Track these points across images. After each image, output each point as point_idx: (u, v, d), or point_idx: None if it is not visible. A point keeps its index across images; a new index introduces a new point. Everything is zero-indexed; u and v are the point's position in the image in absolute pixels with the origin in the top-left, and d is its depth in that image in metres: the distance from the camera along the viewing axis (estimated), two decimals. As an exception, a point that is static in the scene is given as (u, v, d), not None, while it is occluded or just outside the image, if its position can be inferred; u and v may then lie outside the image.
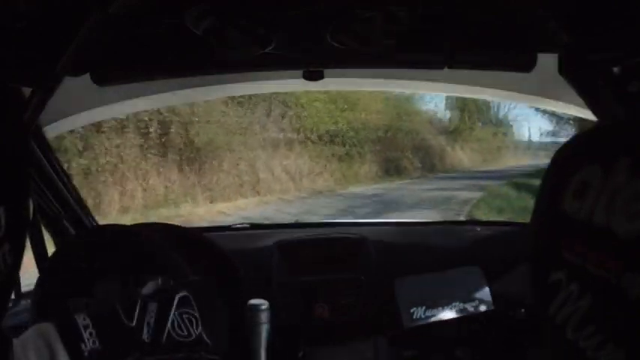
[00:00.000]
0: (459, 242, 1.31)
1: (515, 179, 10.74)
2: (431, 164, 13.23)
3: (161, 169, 7.72)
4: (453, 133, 14.78)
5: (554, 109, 1.33)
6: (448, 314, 1.15)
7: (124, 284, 0.86)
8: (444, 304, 1.15)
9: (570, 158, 0.33)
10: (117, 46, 0.85)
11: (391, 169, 11.89)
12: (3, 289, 0.37)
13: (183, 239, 1.01)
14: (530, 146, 17.42)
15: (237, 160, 8.73)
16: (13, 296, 0.93)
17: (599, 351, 0.27)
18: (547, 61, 0.81)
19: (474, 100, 13.11)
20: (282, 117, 9.61)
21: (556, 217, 0.32)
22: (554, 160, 0.35)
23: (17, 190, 0.36)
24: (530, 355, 1.00)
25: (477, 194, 9.15)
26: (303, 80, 1.04)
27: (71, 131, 5.16)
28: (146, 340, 0.80)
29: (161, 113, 7.47)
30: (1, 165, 0.34)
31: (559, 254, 0.31)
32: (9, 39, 0.62)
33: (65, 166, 1.32)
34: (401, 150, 12.10)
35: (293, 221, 1.49)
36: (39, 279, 0.92)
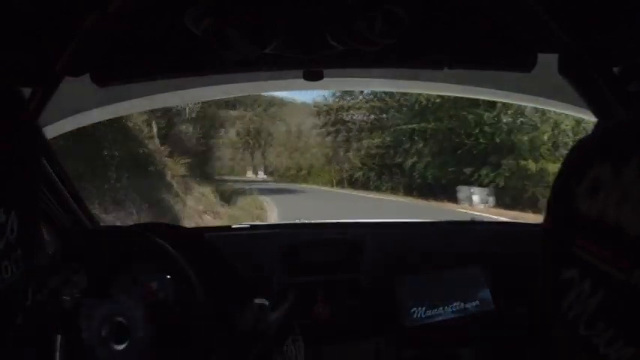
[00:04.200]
0: (459, 242, 1.31)
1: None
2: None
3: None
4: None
5: (554, 109, 1.33)
6: (448, 314, 1.15)
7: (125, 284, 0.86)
8: (444, 304, 1.15)
9: (582, 157, 0.34)
10: (117, 46, 0.85)
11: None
12: (17, 294, 0.37)
13: (183, 239, 1.01)
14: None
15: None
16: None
17: (610, 347, 0.28)
18: (547, 61, 0.81)
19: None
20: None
21: (569, 215, 0.32)
22: (567, 159, 0.35)
23: (27, 195, 0.36)
24: (532, 355, 1.00)
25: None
26: (303, 80, 1.05)
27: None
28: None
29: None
30: (11, 170, 0.34)
31: (571, 251, 0.31)
32: (9, 39, 0.62)
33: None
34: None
35: (293, 222, 1.49)
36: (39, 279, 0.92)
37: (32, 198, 0.37)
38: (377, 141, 17.36)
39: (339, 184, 19.11)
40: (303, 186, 19.52)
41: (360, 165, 17.98)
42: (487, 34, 0.85)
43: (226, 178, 19.94)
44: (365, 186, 17.16)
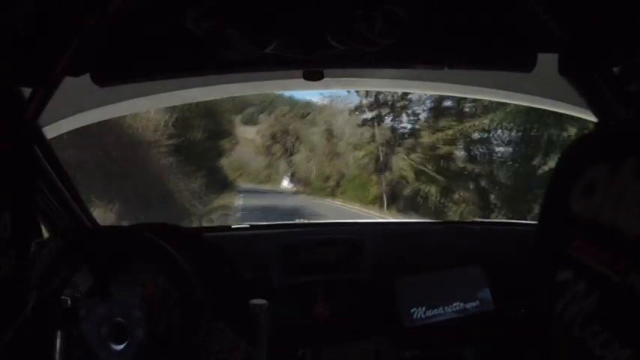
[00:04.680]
0: (459, 242, 1.31)
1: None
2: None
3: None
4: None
5: (554, 109, 1.33)
6: (448, 314, 1.15)
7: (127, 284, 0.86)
8: (444, 303, 1.15)
9: (578, 157, 0.34)
10: (117, 46, 0.85)
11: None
12: (11, 292, 0.37)
13: (183, 239, 1.01)
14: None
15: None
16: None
17: (606, 349, 0.27)
18: (547, 61, 0.81)
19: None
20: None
21: (563, 216, 0.32)
22: (562, 159, 0.35)
23: (23, 195, 0.36)
24: (531, 355, 1.00)
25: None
26: (303, 80, 1.04)
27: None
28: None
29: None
30: (7, 170, 0.34)
31: (566, 253, 0.31)
32: (9, 39, 0.62)
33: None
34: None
35: (293, 222, 1.49)
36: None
37: (28, 197, 0.37)
38: (442, 135, 10.35)
39: (375, 202, 12.38)
40: (327, 203, 13.62)
41: (412, 174, 11.06)
42: (487, 34, 0.85)
43: (244, 187, 16.83)
44: (421, 209, 10.43)
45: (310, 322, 1.15)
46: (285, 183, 20.14)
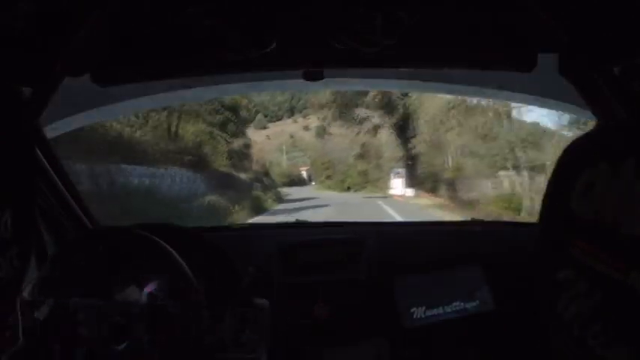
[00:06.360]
0: (459, 242, 1.31)
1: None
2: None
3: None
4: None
5: (554, 109, 1.33)
6: (448, 314, 1.15)
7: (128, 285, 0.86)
8: (445, 303, 1.15)
9: (577, 157, 0.34)
10: (117, 46, 0.86)
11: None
12: (11, 291, 0.37)
13: (183, 239, 1.01)
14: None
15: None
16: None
17: (607, 348, 0.27)
18: (547, 61, 0.81)
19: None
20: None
21: (563, 215, 0.32)
22: (562, 159, 0.35)
23: (24, 194, 0.36)
24: (532, 355, 1.00)
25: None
26: (303, 80, 1.05)
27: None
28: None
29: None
30: (7, 169, 0.34)
31: (567, 252, 0.31)
32: (9, 39, 0.62)
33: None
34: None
35: (293, 222, 1.49)
36: (39, 279, 0.92)
37: (28, 197, 0.37)
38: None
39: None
40: None
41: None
42: (487, 34, 0.85)
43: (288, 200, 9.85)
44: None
45: (310, 322, 1.15)
46: (398, 187, 11.55)
